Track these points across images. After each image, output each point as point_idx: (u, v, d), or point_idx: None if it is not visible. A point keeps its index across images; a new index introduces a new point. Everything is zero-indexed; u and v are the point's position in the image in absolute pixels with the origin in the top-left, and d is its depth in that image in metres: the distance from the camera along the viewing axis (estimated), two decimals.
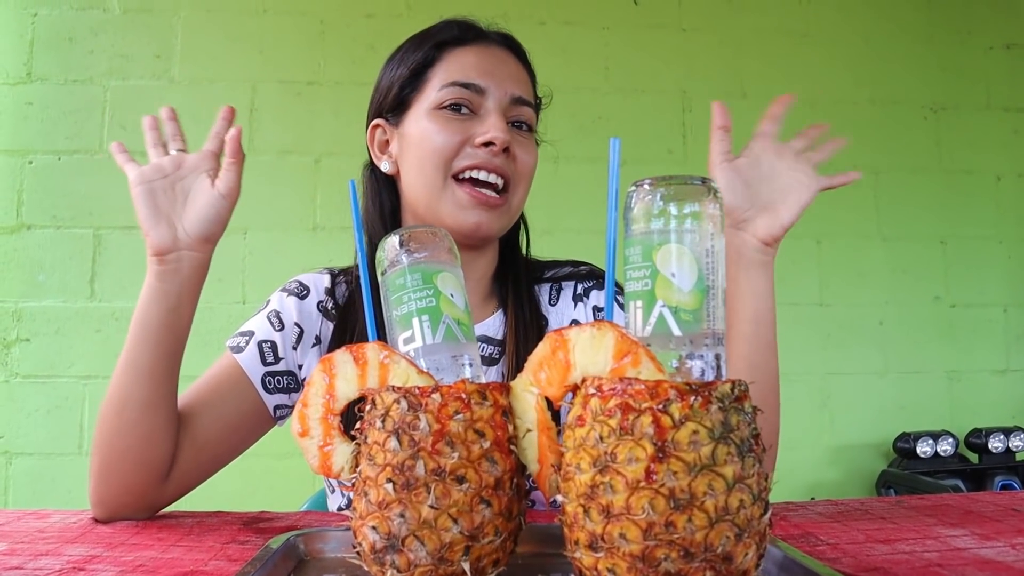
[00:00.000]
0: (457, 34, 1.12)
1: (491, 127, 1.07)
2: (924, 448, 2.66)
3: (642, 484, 0.53)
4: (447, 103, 1.08)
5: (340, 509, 1.18)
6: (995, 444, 2.68)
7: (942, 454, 2.68)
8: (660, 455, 0.53)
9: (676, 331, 0.58)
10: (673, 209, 0.59)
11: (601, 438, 0.55)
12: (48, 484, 2.50)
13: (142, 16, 2.68)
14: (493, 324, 1.17)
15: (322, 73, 2.73)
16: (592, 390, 0.57)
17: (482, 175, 1.07)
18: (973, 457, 2.77)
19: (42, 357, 2.55)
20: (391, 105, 1.14)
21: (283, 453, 2.53)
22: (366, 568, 0.63)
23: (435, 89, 1.09)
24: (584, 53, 2.85)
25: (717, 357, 0.60)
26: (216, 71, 2.69)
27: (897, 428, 2.79)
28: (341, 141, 2.64)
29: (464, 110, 1.08)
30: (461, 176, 1.08)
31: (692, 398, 0.54)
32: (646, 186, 0.61)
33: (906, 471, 2.67)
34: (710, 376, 0.59)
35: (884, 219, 2.95)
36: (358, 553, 0.64)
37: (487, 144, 1.06)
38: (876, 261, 2.94)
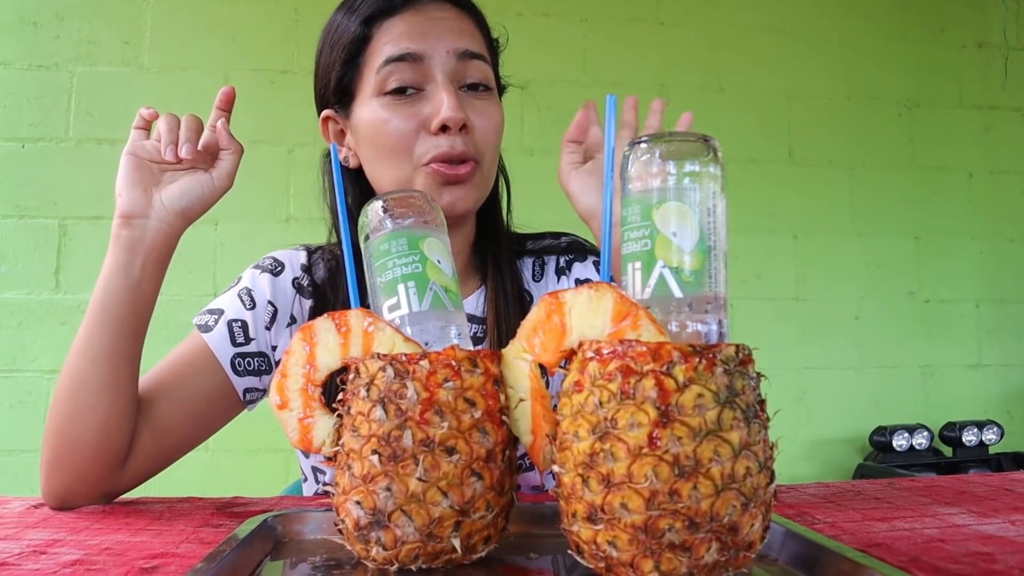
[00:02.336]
0: (382, 4, 1.01)
1: (441, 105, 0.97)
2: (900, 441, 2.68)
3: (644, 451, 0.50)
4: (389, 88, 0.99)
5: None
6: (969, 437, 2.71)
7: (917, 447, 2.70)
8: (663, 420, 0.50)
9: (677, 293, 0.55)
10: (672, 167, 0.56)
11: (600, 403, 0.52)
12: (11, 481, 2.42)
13: (110, 1, 2.61)
14: (476, 301, 1.12)
15: (296, 62, 2.68)
16: (591, 353, 0.54)
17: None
18: (947, 450, 2.80)
19: (4, 351, 2.47)
20: (335, 95, 1.07)
21: (254, 448, 2.49)
22: (349, 547, 0.60)
23: (373, 72, 1.00)
24: (562, 45, 2.83)
25: (720, 323, 0.57)
26: (187, 58, 2.62)
27: (873, 422, 2.80)
28: (315, 131, 2.48)
29: (409, 91, 1.00)
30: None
31: (697, 360, 0.51)
32: (643, 145, 0.58)
33: (883, 464, 2.68)
34: (713, 341, 0.57)
35: (859, 215, 2.97)
36: (340, 531, 0.60)
37: (443, 128, 0.98)
38: (851, 256, 2.96)
